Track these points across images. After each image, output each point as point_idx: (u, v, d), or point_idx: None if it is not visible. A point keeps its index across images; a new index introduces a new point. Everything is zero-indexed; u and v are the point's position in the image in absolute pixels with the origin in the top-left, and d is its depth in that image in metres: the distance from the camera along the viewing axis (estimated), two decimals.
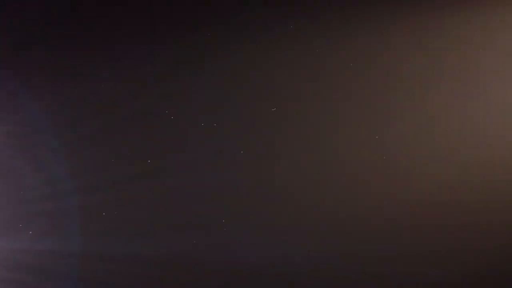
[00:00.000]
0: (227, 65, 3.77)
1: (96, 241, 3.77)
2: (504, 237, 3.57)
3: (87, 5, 3.86)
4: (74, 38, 3.86)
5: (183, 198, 3.77)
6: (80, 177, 3.79)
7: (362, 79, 3.70)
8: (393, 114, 3.69)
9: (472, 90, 3.64)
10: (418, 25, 3.67)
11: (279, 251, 3.70)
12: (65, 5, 3.83)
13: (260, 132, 3.75)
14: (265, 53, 3.76)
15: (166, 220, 3.79)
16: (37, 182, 3.83)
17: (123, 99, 3.83)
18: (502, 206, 3.58)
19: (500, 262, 3.57)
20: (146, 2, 3.84)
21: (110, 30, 3.84)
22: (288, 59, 3.76)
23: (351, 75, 3.71)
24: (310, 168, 3.70)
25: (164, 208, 3.79)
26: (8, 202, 3.82)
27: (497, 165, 3.58)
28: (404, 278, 3.60)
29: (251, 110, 3.76)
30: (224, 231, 3.72)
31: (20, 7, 3.82)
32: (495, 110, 3.60)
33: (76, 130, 3.83)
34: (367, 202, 3.65)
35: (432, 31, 3.67)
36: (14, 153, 3.84)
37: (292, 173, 3.71)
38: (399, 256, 3.62)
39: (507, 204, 3.58)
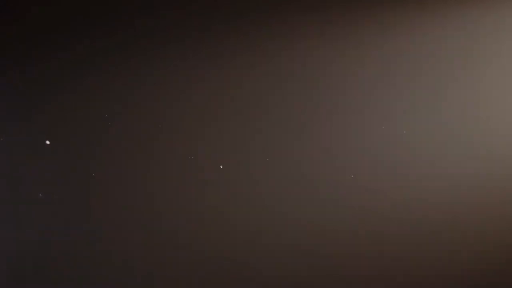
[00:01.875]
0: (218, 65, 3.68)
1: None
2: (505, 238, 3.58)
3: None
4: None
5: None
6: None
7: (362, 78, 3.65)
8: (394, 114, 3.65)
9: (474, 90, 3.63)
10: (418, 24, 3.65)
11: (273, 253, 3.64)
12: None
13: (260, 131, 3.68)
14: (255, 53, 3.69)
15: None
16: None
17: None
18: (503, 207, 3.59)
19: (500, 264, 3.59)
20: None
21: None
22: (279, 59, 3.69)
23: (351, 74, 3.66)
24: (309, 168, 3.64)
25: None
26: None
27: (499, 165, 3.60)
28: (404, 279, 3.59)
29: (249, 110, 3.68)
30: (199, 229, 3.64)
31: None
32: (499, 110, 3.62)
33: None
34: (367, 203, 3.61)
35: (434, 30, 3.65)
36: None
37: (288, 174, 3.66)
38: (398, 256, 3.61)
39: (507, 204, 3.60)
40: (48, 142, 3.48)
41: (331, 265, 3.58)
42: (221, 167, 3.54)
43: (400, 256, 3.58)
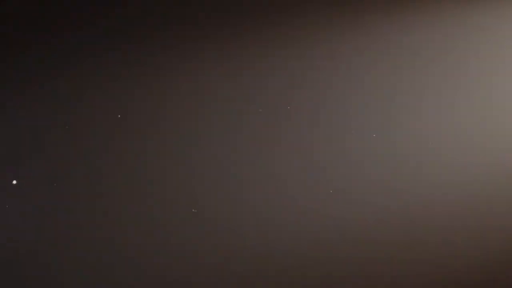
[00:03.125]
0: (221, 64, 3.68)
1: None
2: (504, 239, 3.59)
3: None
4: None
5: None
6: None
7: (362, 78, 3.66)
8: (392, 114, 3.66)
9: (473, 89, 3.62)
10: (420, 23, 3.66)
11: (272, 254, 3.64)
12: None
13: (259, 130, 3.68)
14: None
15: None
16: None
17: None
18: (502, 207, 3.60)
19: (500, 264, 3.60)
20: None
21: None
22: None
23: (350, 74, 3.66)
24: (308, 169, 3.65)
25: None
26: None
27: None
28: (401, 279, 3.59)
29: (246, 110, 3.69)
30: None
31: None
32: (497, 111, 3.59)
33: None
34: (366, 202, 3.61)
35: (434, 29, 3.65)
36: None
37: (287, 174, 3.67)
38: (396, 257, 3.60)
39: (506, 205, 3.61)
40: (14, 182, 3.45)
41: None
42: (194, 210, 3.52)
43: (382, 273, 3.55)
